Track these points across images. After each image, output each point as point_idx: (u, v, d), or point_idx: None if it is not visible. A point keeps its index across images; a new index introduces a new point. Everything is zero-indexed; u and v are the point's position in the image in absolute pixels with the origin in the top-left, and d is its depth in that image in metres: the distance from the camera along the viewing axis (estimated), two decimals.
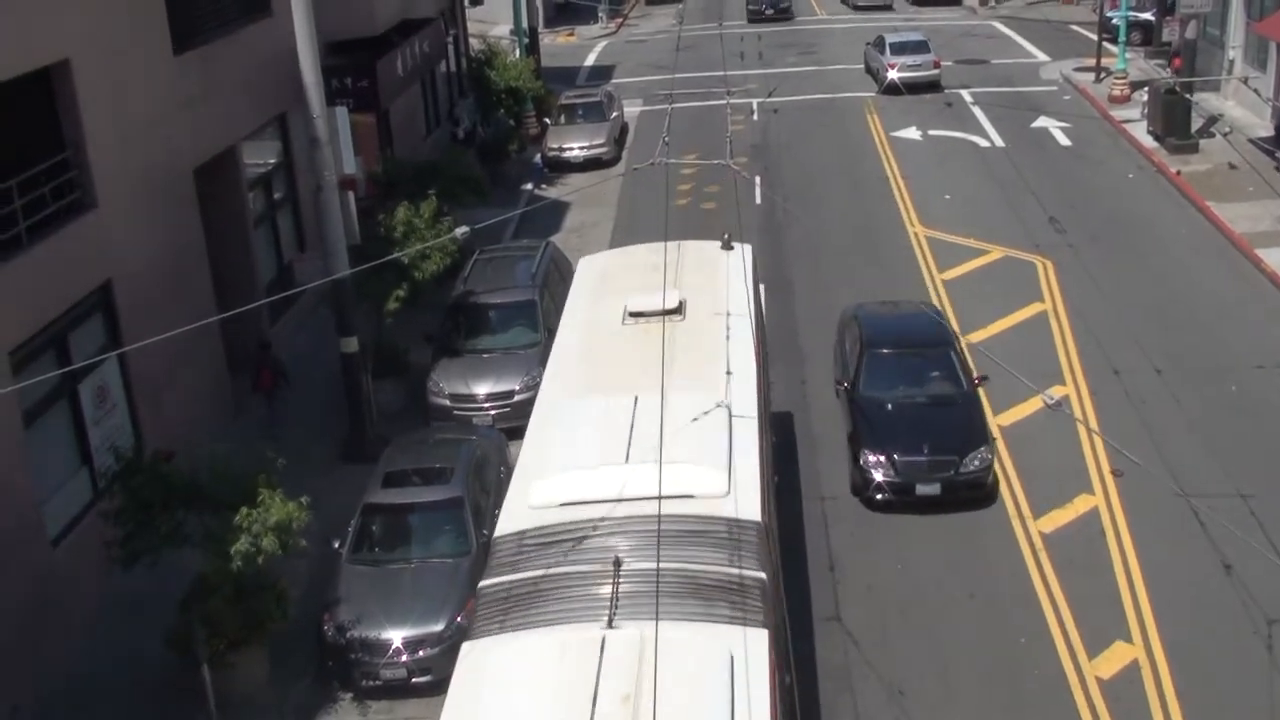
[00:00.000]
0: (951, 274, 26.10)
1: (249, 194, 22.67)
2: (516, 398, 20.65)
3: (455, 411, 20.71)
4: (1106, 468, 18.61)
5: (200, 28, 20.68)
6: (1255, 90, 33.34)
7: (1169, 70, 40.39)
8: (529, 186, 34.34)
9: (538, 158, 36.51)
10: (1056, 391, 20.86)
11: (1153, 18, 43.60)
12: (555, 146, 35.89)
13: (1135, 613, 15.54)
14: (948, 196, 31.11)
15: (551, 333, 21.83)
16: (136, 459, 14.98)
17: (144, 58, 18.64)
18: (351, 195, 20.33)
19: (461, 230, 16.77)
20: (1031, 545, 17.03)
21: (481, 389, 20.81)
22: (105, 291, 17.37)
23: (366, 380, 20.51)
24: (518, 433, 20.40)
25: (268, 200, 24.04)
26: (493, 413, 20.61)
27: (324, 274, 19.66)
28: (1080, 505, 17.85)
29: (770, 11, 58.55)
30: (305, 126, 19.51)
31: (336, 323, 20.09)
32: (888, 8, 65.15)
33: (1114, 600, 15.82)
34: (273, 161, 24.21)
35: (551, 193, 33.58)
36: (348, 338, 19.85)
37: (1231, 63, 36.35)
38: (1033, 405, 20.48)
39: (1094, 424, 19.82)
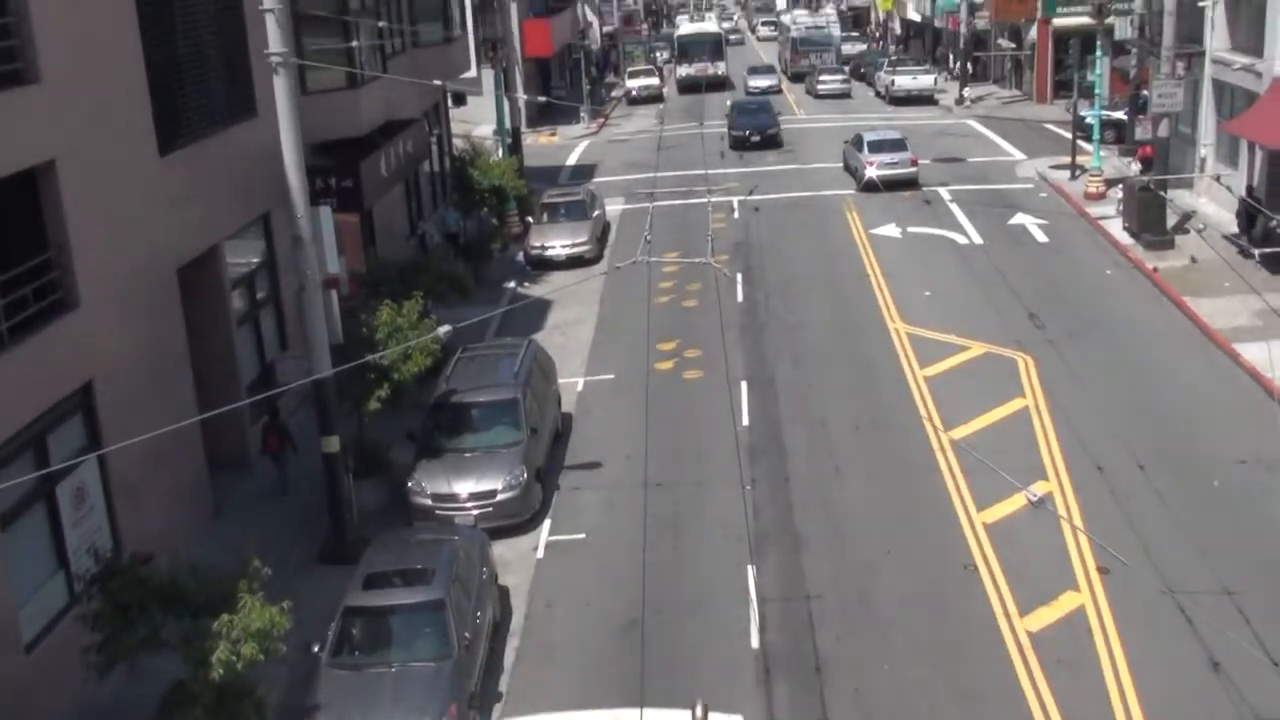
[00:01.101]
0: (933, 370, 26.19)
1: (232, 293, 22.69)
2: (499, 497, 20.55)
3: (437, 511, 20.55)
4: (1092, 565, 18.52)
5: (186, 129, 20.84)
6: (1227, 187, 33.84)
7: (1137, 158, 41.09)
8: (512, 285, 34.49)
9: (520, 256, 36.72)
10: (1040, 488, 20.84)
11: (1125, 116, 44.39)
12: (538, 245, 36.11)
13: (1124, 712, 15.36)
14: (928, 293, 31.34)
15: (535, 431, 21.87)
16: (115, 561, 14.78)
17: (130, 159, 18.76)
18: (335, 294, 20.38)
19: (444, 329, 16.79)
20: (1018, 644, 16.88)
21: (464, 488, 20.68)
22: (86, 392, 17.28)
23: (348, 480, 20.38)
24: (500, 533, 20.45)
25: (250, 299, 24.06)
26: (475, 512, 20.46)
27: (306, 374, 19.61)
28: (1067, 603, 17.72)
29: (756, 139, 51.67)
30: (289, 226, 19.60)
31: (318, 422, 20.00)
32: (846, 96, 67.97)
33: (1102, 699, 15.65)
34: (256, 261, 24.27)
35: (534, 291, 33.72)
36: (329, 437, 19.76)
37: (1203, 160, 36.96)
38: (1016, 502, 20.45)
39: (1078, 521, 19.77)
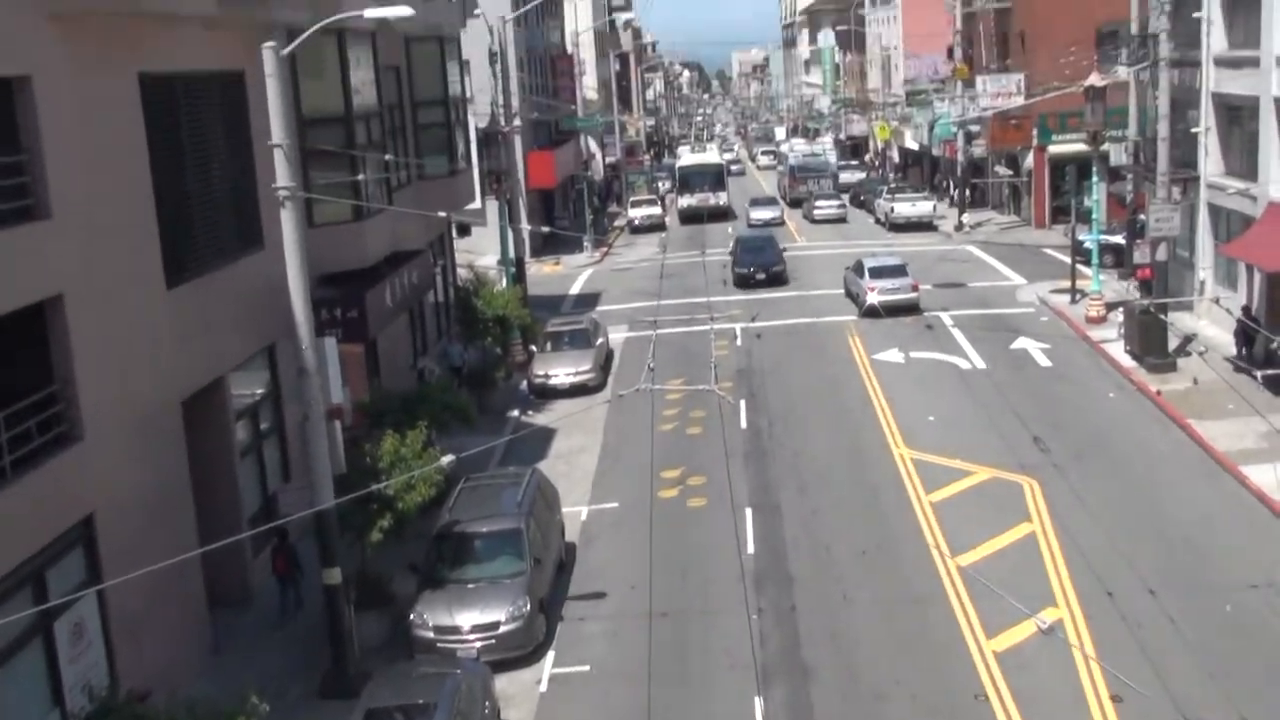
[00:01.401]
0: (938, 496, 26.06)
1: (236, 425, 22.72)
2: (502, 629, 20.30)
3: (439, 644, 20.28)
4: (1105, 694, 18.20)
5: (194, 262, 21.07)
6: (1227, 310, 34.03)
7: (1136, 280, 41.39)
8: (515, 413, 34.52)
9: (524, 385, 36.82)
10: (1049, 615, 20.57)
11: (1124, 241, 44.81)
12: (541, 373, 36.24)
13: None
14: (931, 418, 31.33)
15: (538, 561, 21.69)
16: (111, 698, 14.57)
17: (137, 292, 18.94)
18: (338, 425, 20.40)
19: (447, 459, 16.76)
20: None
21: (466, 620, 20.43)
22: (87, 525, 17.19)
23: (349, 612, 20.17)
24: (503, 665, 20.16)
25: (254, 430, 24.07)
26: (478, 645, 20.19)
27: (308, 505, 19.54)
28: None
29: (761, 276, 49.97)
30: (294, 357, 19.70)
31: (320, 554, 19.87)
32: (843, 220, 70.27)
33: None
34: (260, 392, 24.34)
35: (538, 419, 33.74)
36: (331, 569, 19.61)
37: (1202, 283, 37.23)
38: (1026, 630, 20.17)
39: (1090, 648, 19.48)
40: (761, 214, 69.43)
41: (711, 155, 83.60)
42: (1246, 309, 33.40)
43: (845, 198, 74.77)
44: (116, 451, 17.94)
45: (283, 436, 24.99)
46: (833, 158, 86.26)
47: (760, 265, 50.20)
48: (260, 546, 22.68)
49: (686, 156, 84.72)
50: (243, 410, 23.31)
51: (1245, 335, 32.74)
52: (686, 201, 74.90)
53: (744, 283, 49.86)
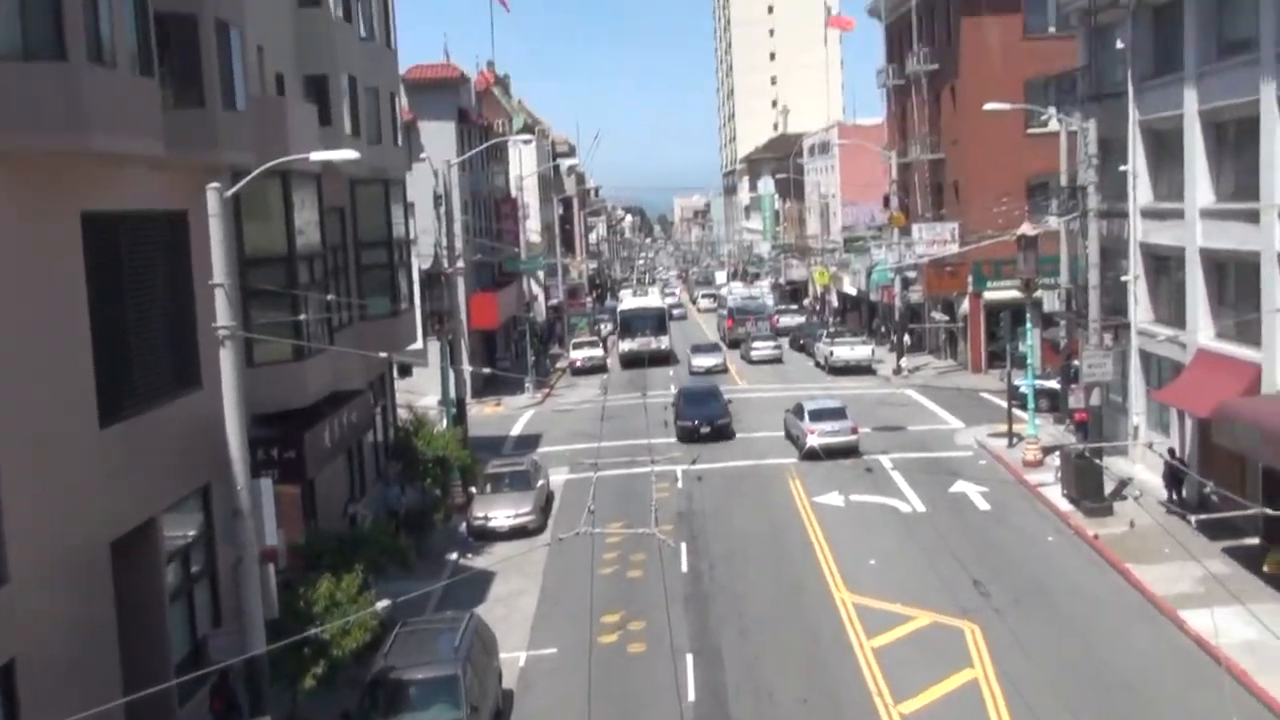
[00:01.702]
0: (880, 641, 25.87)
1: (166, 567, 22.19)
2: None
3: None
4: None
5: (129, 401, 20.77)
6: (1160, 454, 34.48)
7: (1072, 423, 42.13)
8: (454, 556, 34.07)
9: (463, 527, 36.42)
10: None
11: (1059, 386, 45.53)
12: (481, 515, 35.88)
13: None
14: (872, 561, 31.27)
15: (475, 709, 21.20)
16: None
17: (69, 432, 18.61)
18: (271, 567, 20.02)
19: (383, 604, 16.46)
20: None
21: None
22: (7, 672, 16.60)
23: None
24: None
25: (185, 573, 23.49)
26: None
27: (239, 651, 19.04)
28: None
29: (706, 430, 47.37)
30: (228, 498, 19.38)
31: (249, 702, 19.31)
32: (778, 361, 72.02)
33: None
34: (193, 533, 23.85)
35: (477, 562, 33.31)
36: (260, 718, 19.03)
37: (1136, 428, 37.78)
38: None
39: None
40: (704, 360, 68.40)
41: (653, 299, 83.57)
42: (1172, 451, 33.96)
43: (782, 340, 77.14)
44: (42, 594, 17.43)
45: (214, 579, 24.41)
46: (769, 301, 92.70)
47: (705, 418, 47.72)
48: (188, 694, 21.97)
49: (628, 300, 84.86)
50: (174, 552, 22.79)
51: (1174, 478, 33.26)
52: (628, 346, 74.09)
53: (688, 437, 47.23)
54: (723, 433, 47.38)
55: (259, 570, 19.24)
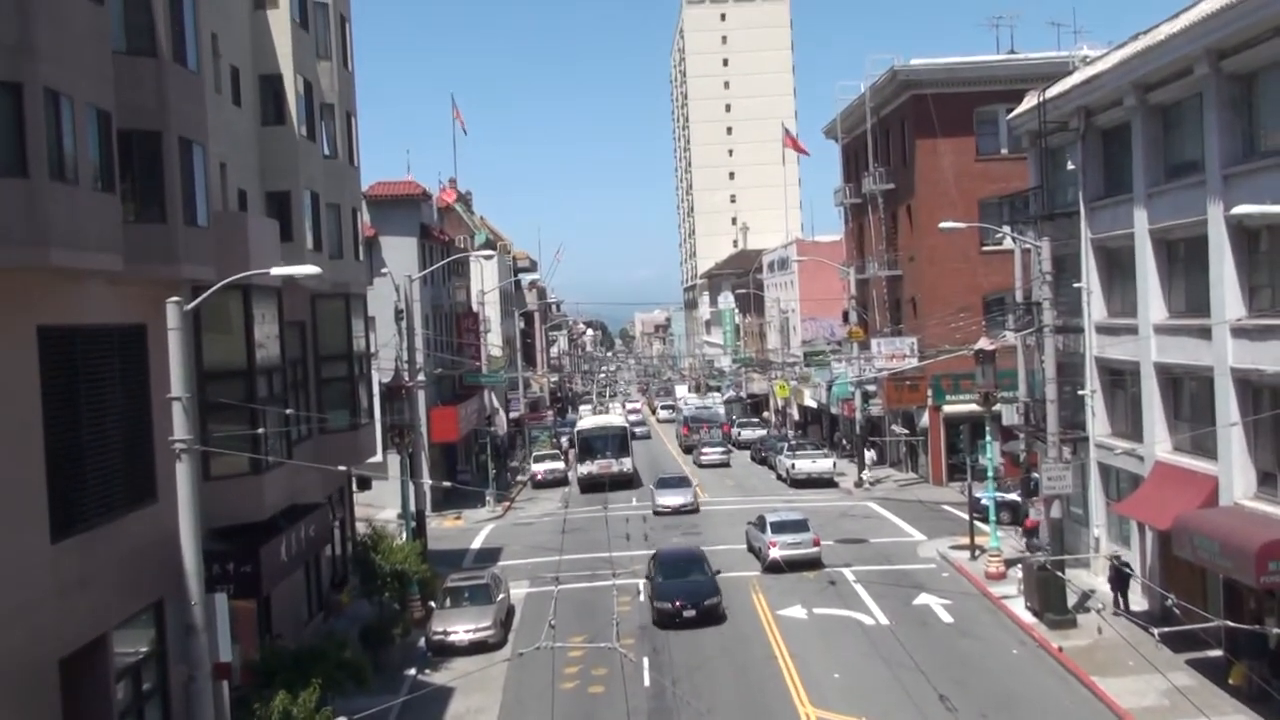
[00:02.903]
0: None
1: (116, 685, 21.68)
2: None
3: None
4: None
5: (82, 515, 20.48)
6: (1112, 561, 34.56)
7: (1023, 529, 42.36)
8: (412, 672, 33.47)
9: (422, 641, 35.84)
10: None
11: (1019, 498, 45.71)
12: (440, 630, 35.33)
13: None
14: (837, 675, 30.98)
15: None
16: None
17: (19, 546, 18.31)
18: (225, 684, 19.62)
19: None
20: None
21: None
22: None
23: None
24: None
25: (135, 690, 22.94)
26: None
27: None
28: None
29: (691, 614, 35.77)
30: (182, 613, 19.05)
31: None
32: (726, 465, 74.90)
33: None
34: (144, 650, 23.35)
35: (436, 678, 32.73)
36: None
37: (1097, 540, 37.88)
38: None
39: None
40: (671, 499, 57.60)
41: (615, 418, 79.68)
42: (1116, 557, 34.31)
43: (733, 447, 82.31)
44: None
45: (166, 696, 23.86)
46: (720, 411, 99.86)
47: (687, 596, 36.21)
48: None
49: (587, 419, 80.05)
50: (124, 669, 22.28)
51: (1120, 583, 33.55)
52: (587, 469, 68.70)
53: (668, 622, 35.92)
54: (711, 616, 36.03)
55: (212, 687, 18.83)
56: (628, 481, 68.17)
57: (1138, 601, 34.46)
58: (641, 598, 39.71)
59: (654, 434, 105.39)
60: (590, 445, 70.36)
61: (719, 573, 38.03)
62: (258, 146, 34.14)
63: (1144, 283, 33.56)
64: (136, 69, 22.56)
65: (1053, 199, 39.44)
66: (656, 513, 56.59)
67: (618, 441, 70.31)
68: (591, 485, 67.40)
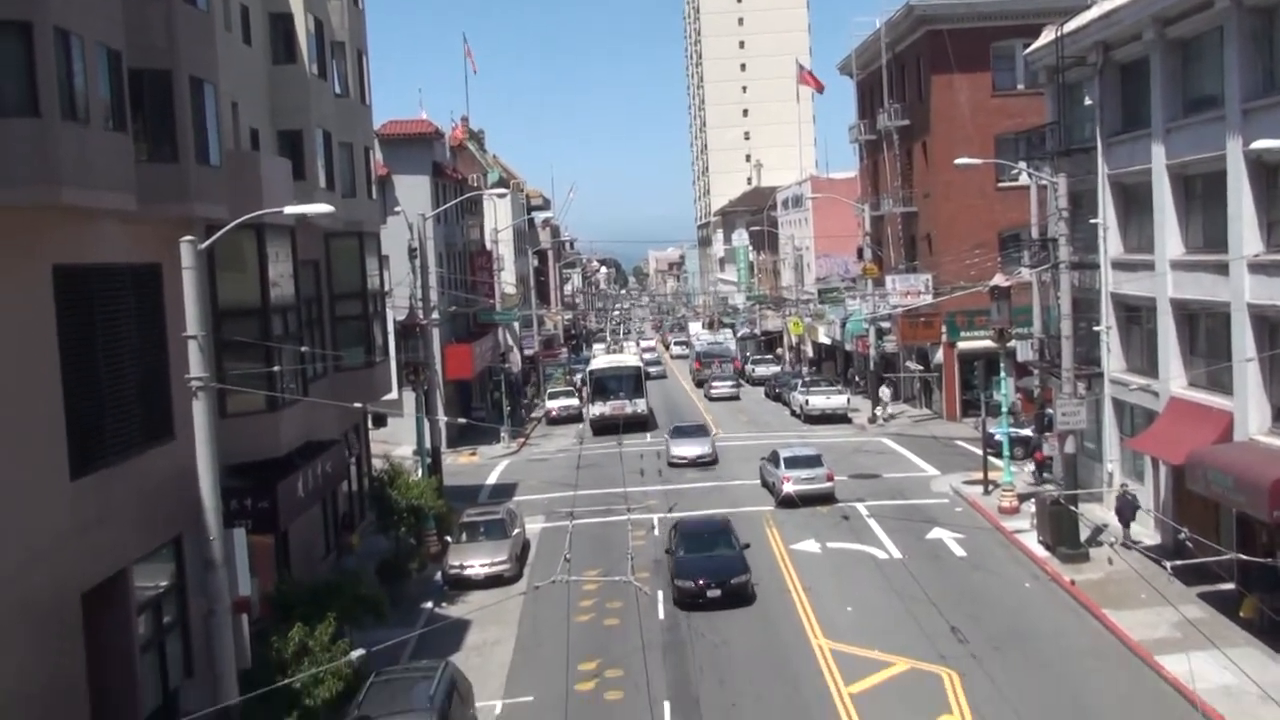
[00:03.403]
0: (858, 688, 25.80)
1: (137, 618, 22.00)
2: None
3: None
4: None
5: (100, 452, 20.66)
6: (1127, 494, 34.67)
7: (1034, 462, 42.51)
8: (429, 605, 33.85)
9: (439, 575, 36.21)
10: None
11: (1033, 433, 45.77)
12: (456, 564, 35.68)
13: None
14: (850, 609, 31.23)
15: None
16: None
17: (39, 483, 18.51)
18: (244, 618, 19.88)
19: (357, 653, 16.37)
20: None
21: None
22: None
23: None
24: None
25: (156, 624, 23.27)
26: None
27: (211, 702, 18.86)
28: None
29: (716, 593, 31.87)
30: (201, 548, 19.27)
31: None
32: (735, 398, 77.42)
33: None
34: (164, 584, 23.65)
35: (452, 611, 33.10)
36: None
37: (1110, 475, 37.95)
38: None
39: None
40: (687, 449, 53.16)
41: (628, 358, 76.08)
42: (1125, 486, 34.60)
43: (740, 380, 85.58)
44: (10, 646, 17.27)
45: (186, 630, 24.21)
46: (732, 346, 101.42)
47: (712, 574, 32.31)
48: None
49: (600, 359, 76.81)
50: (145, 603, 22.59)
51: (1127, 515, 33.78)
52: (600, 410, 66.31)
53: (689, 603, 32.04)
54: (739, 596, 32.19)
55: (232, 621, 19.09)
56: (642, 423, 66.30)
57: (1146, 534, 34.58)
58: (656, 530, 39.99)
59: (670, 373, 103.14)
60: (603, 386, 67.92)
61: (748, 546, 34.57)
62: (269, 85, 34.01)
63: (1161, 218, 33.36)
64: (146, 8, 22.44)
65: (1070, 135, 39.12)
66: (671, 463, 52.65)
67: (632, 382, 67.80)
68: (604, 428, 65.08)
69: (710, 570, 32.36)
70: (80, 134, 18.55)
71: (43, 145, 17.66)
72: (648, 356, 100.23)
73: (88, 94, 18.96)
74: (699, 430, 56.72)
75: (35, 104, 17.59)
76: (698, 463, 52.27)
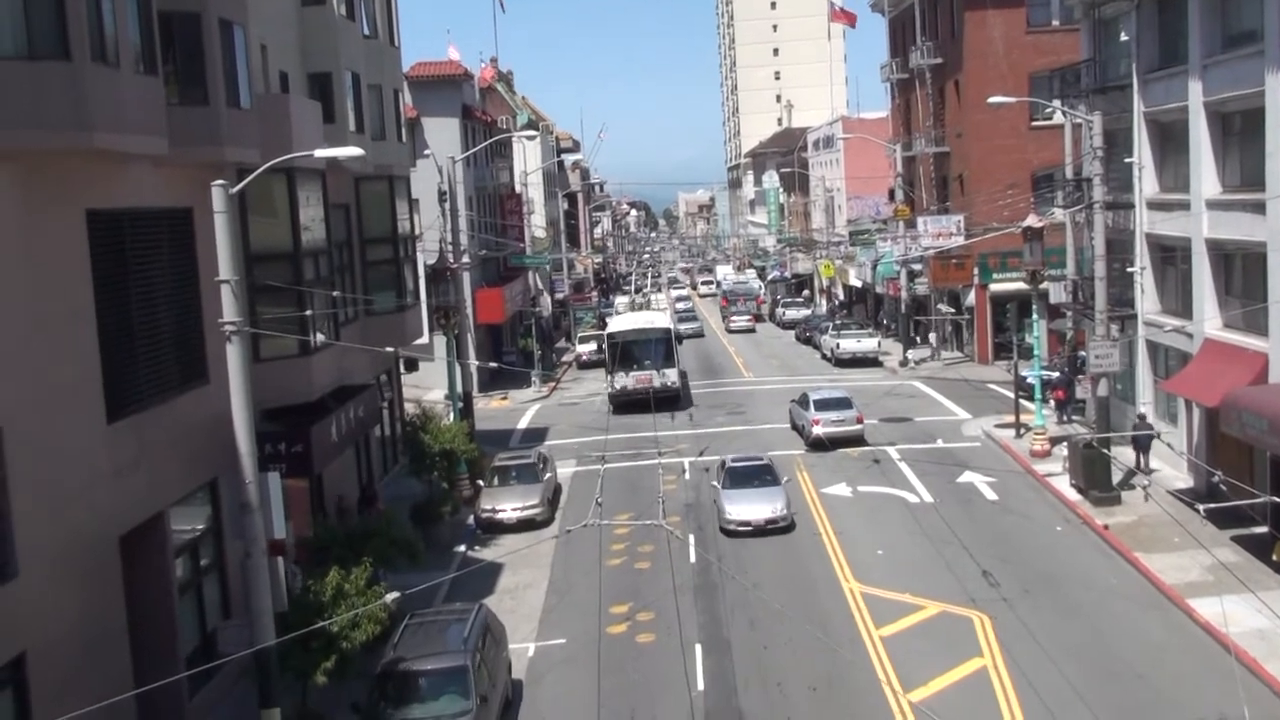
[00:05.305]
0: (889, 630, 25.88)
1: (175, 560, 22.27)
2: None
3: None
4: None
5: (136, 396, 20.83)
6: (1168, 444, 34.48)
7: (1050, 402, 42.37)
8: (462, 549, 34.12)
9: (471, 519, 36.46)
10: None
11: (1058, 374, 45.50)
12: (489, 508, 35.90)
13: None
14: (880, 552, 31.28)
15: (484, 700, 21.24)
16: None
17: (77, 426, 18.68)
18: (280, 561, 20.06)
19: (392, 595, 16.50)
20: None
21: None
22: (17, 666, 16.68)
23: None
24: None
25: (194, 566, 23.59)
26: None
27: (248, 643, 19.10)
28: None
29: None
30: (237, 492, 19.43)
31: (259, 694, 19.37)
32: (752, 330, 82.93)
33: None
34: (201, 527, 23.93)
35: (485, 555, 33.35)
36: (269, 710, 19.10)
37: (1143, 417, 37.72)
38: None
39: None
40: (749, 509, 33.98)
41: (656, 316, 61.97)
42: (1141, 416, 34.56)
43: (758, 313, 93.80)
44: (51, 588, 17.51)
45: (223, 573, 24.50)
46: (755, 285, 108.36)
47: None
48: (198, 687, 22.06)
49: (621, 318, 62.46)
50: (182, 546, 22.88)
51: (1138, 444, 33.84)
52: (621, 383, 53.96)
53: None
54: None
55: (268, 563, 19.28)
56: (673, 399, 54.62)
57: (1180, 478, 34.42)
58: (687, 474, 40.07)
59: (707, 329, 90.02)
60: (626, 352, 54.87)
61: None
62: (298, 27, 33.85)
63: (1197, 156, 32.91)
64: None
65: (1105, 72, 38.57)
66: (726, 531, 34.10)
67: (661, 347, 55.16)
68: (627, 404, 53.46)
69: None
70: (111, 77, 18.52)
71: (74, 89, 17.64)
72: (681, 306, 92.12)
73: (118, 37, 18.91)
74: (764, 474, 36.08)
75: (66, 47, 17.55)
76: (767, 530, 33.73)
